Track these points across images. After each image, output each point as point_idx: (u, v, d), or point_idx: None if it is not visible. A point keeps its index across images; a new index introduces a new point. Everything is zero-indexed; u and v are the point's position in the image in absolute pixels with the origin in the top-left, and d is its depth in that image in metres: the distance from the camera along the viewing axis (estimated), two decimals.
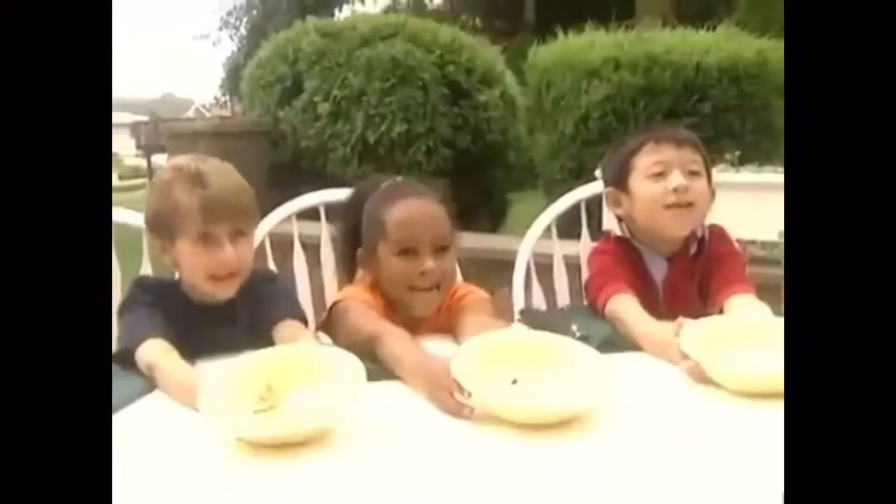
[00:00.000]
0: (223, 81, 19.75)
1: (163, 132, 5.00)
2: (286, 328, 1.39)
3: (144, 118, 16.84)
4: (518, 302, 1.97)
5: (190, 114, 21.76)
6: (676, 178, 1.58)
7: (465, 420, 1.08)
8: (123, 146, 16.33)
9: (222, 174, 1.38)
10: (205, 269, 1.34)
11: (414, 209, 1.47)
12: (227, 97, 19.53)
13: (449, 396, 1.11)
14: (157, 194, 1.38)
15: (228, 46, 19.88)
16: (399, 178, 1.61)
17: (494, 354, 1.18)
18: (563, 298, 2.04)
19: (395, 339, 1.28)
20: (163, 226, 1.37)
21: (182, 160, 1.38)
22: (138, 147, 14.66)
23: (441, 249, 1.47)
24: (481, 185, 5.03)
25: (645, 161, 1.62)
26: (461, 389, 1.09)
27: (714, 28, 4.74)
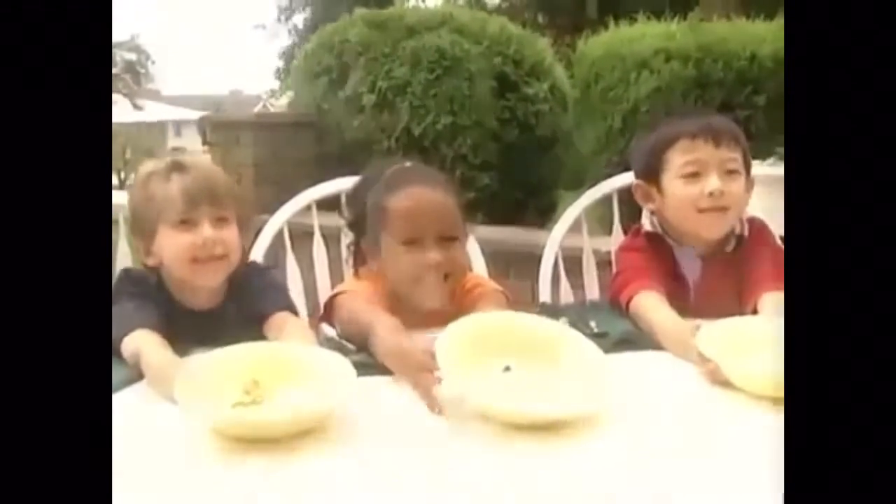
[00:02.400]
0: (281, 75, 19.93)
1: (205, 123, 5.00)
2: (276, 321, 1.35)
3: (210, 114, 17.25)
4: (544, 296, 1.89)
5: (257, 110, 22.11)
6: (713, 183, 1.48)
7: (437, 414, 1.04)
8: (191, 142, 16.74)
9: (200, 163, 1.37)
10: (186, 252, 1.30)
11: (418, 198, 1.40)
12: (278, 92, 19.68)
13: (426, 375, 1.07)
14: (135, 190, 1.36)
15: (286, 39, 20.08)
16: (407, 164, 1.54)
17: (483, 340, 1.13)
18: (592, 294, 1.96)
19: (383, 327, 1.23)
20: (143, 221, 1.34)
21: (160, 159, 1.37)
22: (204, 143, 14.94)
23: (447, 240, 1.40)
24: (529, 181, 4.92)
25: (679, 159, 1.52)
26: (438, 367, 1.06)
27: (771, 17, 4.55)
